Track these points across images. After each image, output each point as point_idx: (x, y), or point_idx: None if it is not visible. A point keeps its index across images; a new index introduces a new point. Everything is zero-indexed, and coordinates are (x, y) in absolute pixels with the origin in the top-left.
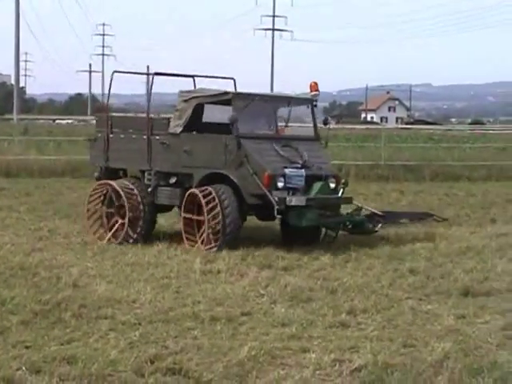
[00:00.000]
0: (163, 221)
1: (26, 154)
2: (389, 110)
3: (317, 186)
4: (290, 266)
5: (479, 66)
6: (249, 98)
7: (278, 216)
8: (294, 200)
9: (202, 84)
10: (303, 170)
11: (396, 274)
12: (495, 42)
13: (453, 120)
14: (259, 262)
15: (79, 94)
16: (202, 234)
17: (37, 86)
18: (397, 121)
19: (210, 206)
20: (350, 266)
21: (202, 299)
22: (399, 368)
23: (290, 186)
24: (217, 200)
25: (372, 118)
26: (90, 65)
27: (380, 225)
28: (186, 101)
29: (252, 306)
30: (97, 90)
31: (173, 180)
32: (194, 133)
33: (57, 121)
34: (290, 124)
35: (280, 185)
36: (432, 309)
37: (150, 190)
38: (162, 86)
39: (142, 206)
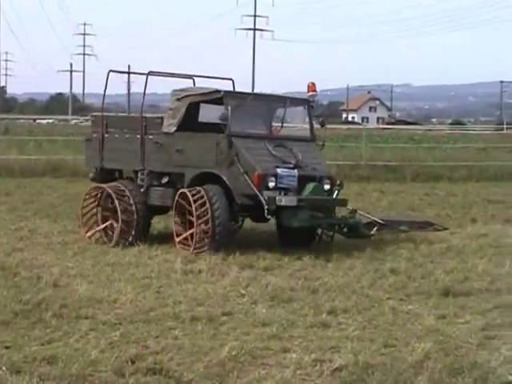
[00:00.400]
0: None
1: (6, 153)
2: (370, 110)
3: (310, 186)
4: (271, 266)
5: (460, 67)
6: (241, 97)
7: (269, 217)
8: (285, 200)
9: (200, 84)
10: (296, 171)
11: (377, 274)
12: (475, 43)
13: (434, 120)
14: (240, 261)
15: (60, 94)
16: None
17: (17, 86)
18: (378, 121)
19: (199, 206)
20: (331, 266)
21: (183, 299)
22: (380, 368)
23: (282, 186)
24: (206, 200)
25: (353, 118)
26: (71, 64)
27: (375, 229)
28: (179, 99)
29: (233, 305)
30: (78, 89)
31: (165, 180)
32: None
33: (37, 120)
34: (286, 124)
35: (271, 185)
36: (413, 309)
37: (142, 190)
38: (141, 86)
39: (134, 208)
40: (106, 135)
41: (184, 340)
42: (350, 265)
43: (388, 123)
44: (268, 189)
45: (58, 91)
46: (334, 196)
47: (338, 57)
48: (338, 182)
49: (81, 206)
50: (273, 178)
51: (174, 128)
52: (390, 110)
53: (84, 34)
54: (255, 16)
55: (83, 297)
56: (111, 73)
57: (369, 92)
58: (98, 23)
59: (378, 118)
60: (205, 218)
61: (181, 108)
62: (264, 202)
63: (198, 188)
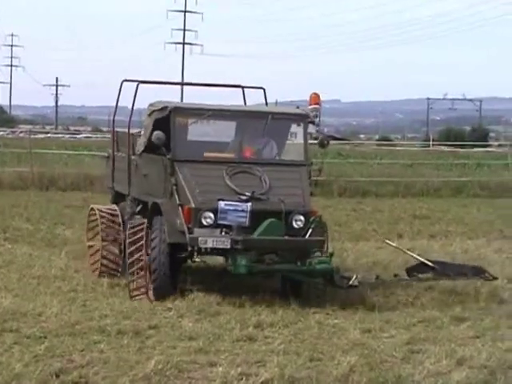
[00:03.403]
0: (69, 233)
1: None
2: (298, 125)
3: (264, 224)
4: (198, 280)
5: (387, 84)
6: (195, 113)
7: (197, 259)
8: (212, 241)
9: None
10: (248, 204)
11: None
12: (402, 60)
13: (361, 136)
14: None
15: None
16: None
17: None
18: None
19: (134, 241)
20: (259, 281)
21: (109, 313)
22: (305, 382)
23: (225, 222)
24: (143, 235)
25: None
26: None
27: (355, 279)
28: (149, 115)
29: (159, 319)
30: (4, 101)
31: (138, 208)
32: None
33: None
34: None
35: (207, 221)
36: (338, 323)
37: (125, 218)
38: (69, 99)
39: (122, 237)
40: (117, 153)
41: (110, 354)
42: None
43: (316, 138)
44: (202, 226)
45: None
46: (308, 235)
47: (267, 71)
48: (312, 219)
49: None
50: (209, 214)
51: (142, 148)
52: (318, 125)
53: (11, 46)
54: (184, 30)
55: (8, 310)
56: (124, 82)
57: (297, 107)
58: (25, 34)
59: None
60: (135, 257)
61: (149, 125)
62: (188, 241)
63: (141, 220)
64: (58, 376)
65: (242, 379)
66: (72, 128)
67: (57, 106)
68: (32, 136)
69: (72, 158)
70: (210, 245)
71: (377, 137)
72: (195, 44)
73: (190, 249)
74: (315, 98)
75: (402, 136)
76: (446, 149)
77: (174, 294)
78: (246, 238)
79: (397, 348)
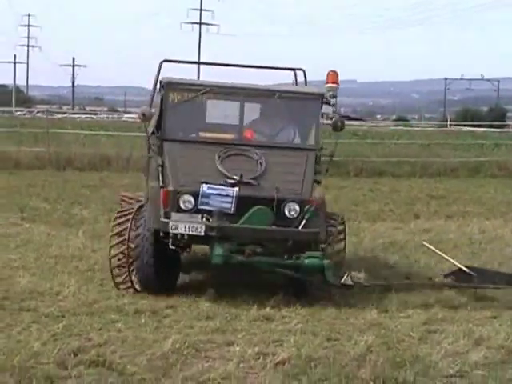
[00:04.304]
0: (86, 213)
1: None
2: None
3: (250, 211)
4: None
5: (404, 64)
6: (191, 88)
7: (173, 247)
8: (183, 227)
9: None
10: (235, 189)
11: None
12: (420, 40)
13: (378, 116)
14: (185, 257)
15: (3, 86)
16: None
17: None
18: (322, 116)
19: (118, 233)
20: None
21: (126, 292)
22: (322, 361)
23: (207, 208)
24: (128, 220)
25: None
26: (15, 56)
27: (347, 277)
28: (158, 92)
29: (176, 299)
30: (21, 81)
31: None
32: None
33: None
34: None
35: (186, 205)
36: (355, 303)
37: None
38: (85, 79)
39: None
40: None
41: (127, 333)
42: None
43: (332, 119)
44: (180, 210)
45: (1, 83)
46: (301, 226)
47: (284, 52)
48: (307, 208)
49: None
50: (189, 198)
51: (151, 130)
52: (334, 105)
53: (28, 26)
54: (201, 10)
55: (25, 289)
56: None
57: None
58: (42, 14)
59: (322, 114)
60: (120, 250)
61: (157, 104)
62: (160, 226)
63: (128, 209)
64: (75, 355)
65: (259, 358)
66: (88, 108)
67: (73, 86)
68: (49, 116)
69: (88, 137)
70: (181, 230)
71: (393, 117)
72: (211, 24)
73: (161, 235)
74: (333, 76)
75: (418, 116)
76: (463, 129)
77: (161, 289)
78: (223, 225)
79: (414, 328)
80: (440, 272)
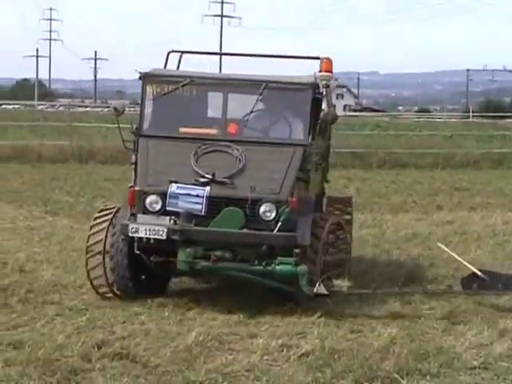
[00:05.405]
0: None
1: None
2: (337, 97)
3: (220, 214)
4: None
5: (426, 55)
6: (170, 80)
7: (138, 252)
8: (144, 230)
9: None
10: (206, 189)
11: None
12: (441, 31)
13: (400, 108)
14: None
15: (26, 79)
16: None
17: None
18: (344, 108)
19: (95, 233)
20: None
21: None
22: (346, 353)
23: (175, 209)
24: (106, 219)
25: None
26: (37, 50)
27: (318, 286)
28: None
29: (199, 292)
30: (44, 75)
31: None
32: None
33: (3, 106)
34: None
35: (153, 206)
36: (378, 295)
37: None
38: (107, 73)
39: None
40: None
41: (151, 325)
42: None
43: (355, 110)
44: (146, 211)
45: (24, 77)
46: (276, 230)
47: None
48: (282, 209)
49: None
50: (155, 198)
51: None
52: (356, 97)
53: (50, 20)
54: (222, 2)
55: (49, 282)
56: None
57: (336, 79)
58: (64, 8)
59: (344, 106)
60: (95, 251)
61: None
62: (122, 229)
63: (108, 210)
64: (99, 347)
65: (282, 351)
66: (110, 102)
67: (95, 79)
68: (71, 110)
69: (111, 131)
70: (141, 234)
71: (416, 108)
72: (233, 16)
73: (122, 237)
74: (327, 64)
75: (441, 108)
76: (485, 120)
77: (136, 295)
78: (187, 227)
79: (438, 320)
80: (454, 272)
